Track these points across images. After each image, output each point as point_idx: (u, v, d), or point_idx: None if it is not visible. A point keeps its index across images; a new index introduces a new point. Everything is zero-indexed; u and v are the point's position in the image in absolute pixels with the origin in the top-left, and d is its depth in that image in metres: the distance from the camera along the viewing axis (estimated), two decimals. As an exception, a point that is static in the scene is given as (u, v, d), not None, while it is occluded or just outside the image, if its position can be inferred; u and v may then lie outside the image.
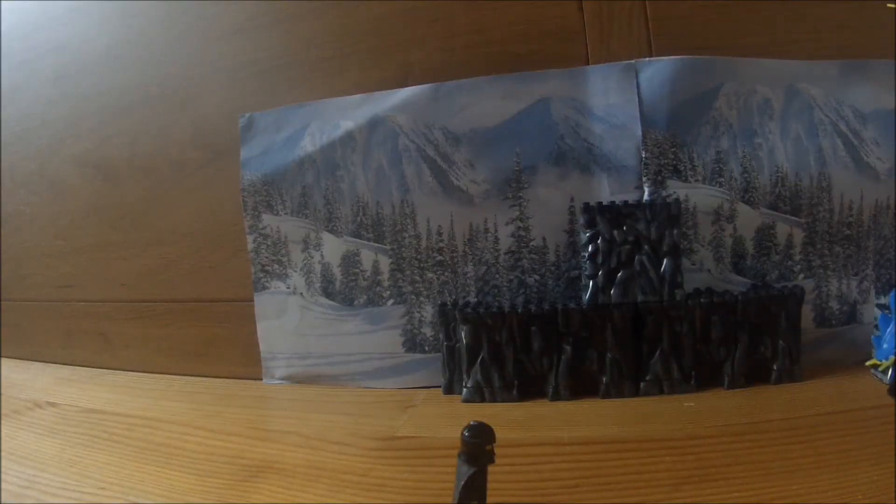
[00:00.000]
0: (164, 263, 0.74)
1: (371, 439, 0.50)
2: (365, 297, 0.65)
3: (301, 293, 0.67)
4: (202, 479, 0.45)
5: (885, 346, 0.52)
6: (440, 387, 0.60)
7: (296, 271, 0.67)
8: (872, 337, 0.55)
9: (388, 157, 0.63)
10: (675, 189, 0.58)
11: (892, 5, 0.34)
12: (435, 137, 0.62)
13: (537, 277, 0.61)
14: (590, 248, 0.56)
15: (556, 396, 0.56)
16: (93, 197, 0.79)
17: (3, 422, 0.61)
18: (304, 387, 0.66)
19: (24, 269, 0.85)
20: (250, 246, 0.68)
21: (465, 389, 0.58)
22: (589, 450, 0.45)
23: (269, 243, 0.68)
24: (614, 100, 0.59)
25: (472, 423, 0.33)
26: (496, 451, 0.33)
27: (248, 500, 0.42)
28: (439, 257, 0.63)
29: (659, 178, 0.58)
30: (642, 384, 0.55)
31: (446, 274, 0.63)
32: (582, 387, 0.56)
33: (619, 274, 0.55)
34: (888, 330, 0.52)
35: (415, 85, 0.62)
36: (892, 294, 0.53)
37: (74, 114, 0.79)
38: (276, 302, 0.68)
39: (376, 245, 0.64)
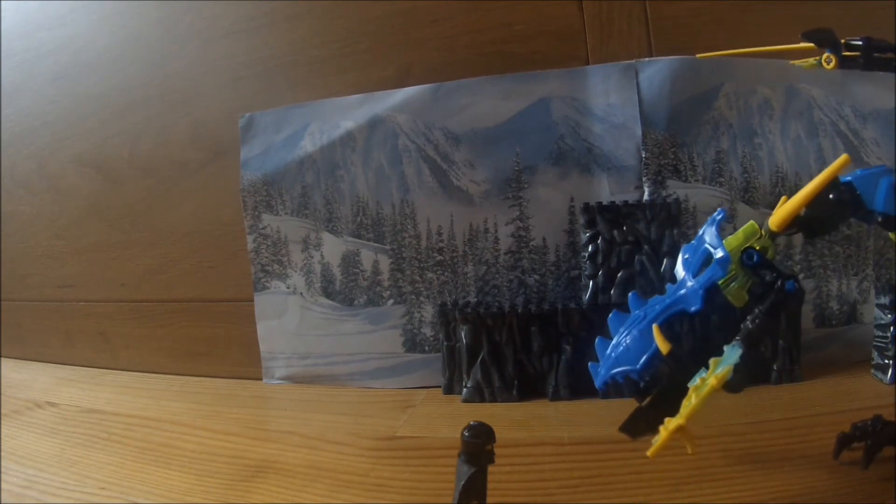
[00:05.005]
0: (164, 263, 0.74)
1: (371, 439, 0.50)
2: (365, 297, 0.65)
3: (301, 293, 0.67)
4: (202, 479, 0.45)
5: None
6: (440, 387, 0.60)
7: (296, 271, 0.67)
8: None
9: (388, 157, 0.63)
10: (675, 189, 0.58)
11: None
12: (435, 137, 0.62)
13: (537, 277, 0.61)
14: (590, 248, 0.56)
15: (556, 396, 0.56)
16: (93, 197, 0.79)
17: (3, 422, 0.61)
18: (304, 387, 0.66)
19: (24, 269, 0.85)
20: (250, 246, 0.68)
21: (465, 389, 0.58)
22: (589, 450, 0.45)
23: (269, 243, 0.68)
24: (614, 100, 0.59)
25: (472, 423, 0.33)
26: (496, 451, 0.33)
27: (248, 500, 0.42)
28: (439, 257, 0.63)
29: (659, 178, 0.58)
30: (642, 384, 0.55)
31: (446, 274, 0.63)
32: (582, 387, 0.55)
33: (619, 274, 0.55)
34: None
35: (415, 85, 0.62)
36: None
37: (74, 114, 0.79)
38: (276, 302, 0.68)
39: (376, 245, 0.64)
